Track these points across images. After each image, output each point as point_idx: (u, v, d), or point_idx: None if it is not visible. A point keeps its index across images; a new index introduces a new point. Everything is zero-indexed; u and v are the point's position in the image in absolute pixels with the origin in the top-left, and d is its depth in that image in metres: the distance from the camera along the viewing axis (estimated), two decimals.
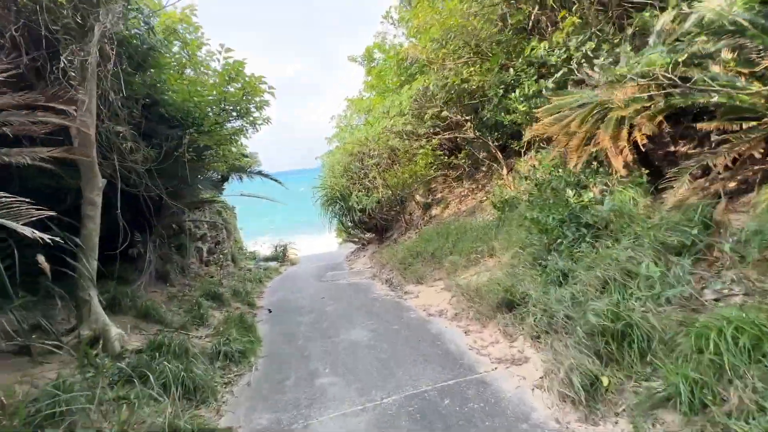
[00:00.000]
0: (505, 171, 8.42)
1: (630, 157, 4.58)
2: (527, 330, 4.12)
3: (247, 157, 9.78)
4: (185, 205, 8.44)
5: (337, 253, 18.18)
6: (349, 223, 14.34)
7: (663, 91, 3.91)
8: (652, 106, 4.02)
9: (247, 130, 6.69)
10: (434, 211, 12.07)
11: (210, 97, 5.76)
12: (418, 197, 12.40)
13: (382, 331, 5.34)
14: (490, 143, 8.27)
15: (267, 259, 16.28)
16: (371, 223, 14.05)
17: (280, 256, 16.41)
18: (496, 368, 3.85)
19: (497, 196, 7.96)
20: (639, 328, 3.08)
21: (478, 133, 7.97)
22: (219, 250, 11.83)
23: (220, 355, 4.71)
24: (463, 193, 11.78)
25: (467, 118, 7.77)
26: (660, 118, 4.10)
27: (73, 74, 4.07)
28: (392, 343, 4.83)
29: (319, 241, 22.98)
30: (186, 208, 9.89)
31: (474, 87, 7.19)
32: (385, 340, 4.98)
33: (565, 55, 5.86)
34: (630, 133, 4.36)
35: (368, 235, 14.72)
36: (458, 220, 10.25)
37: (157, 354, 4.25)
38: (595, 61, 5.15)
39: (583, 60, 5.51)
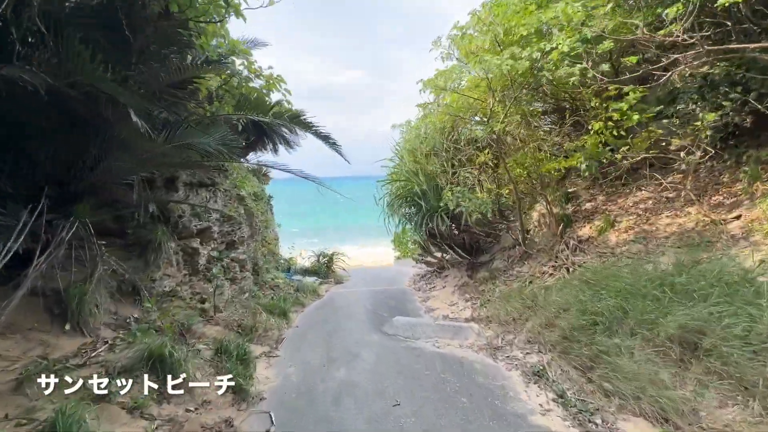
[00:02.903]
0: None
1: None
2: None
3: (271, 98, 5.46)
4: (138, 160, 4.23)
5: (395, 272, 13.47)
6: (425, 235, 9.61)
7: None
8: None
9: None
10: (582, 231, 7.00)
11: None
12: (550, 205, 7.39)
13: None
14: None
15: (305, 272, 12.09)
16: (458, 237, 9.27)
17: (323, 270, 12.12)
18: None
19: None
20: None
21: None
22: (230, 257, 7.67)
23: None
24: (642, 204, 6.62)
25: None
26: None
27: None
28: None
29: (370, 252, 18.63)
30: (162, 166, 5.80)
31: None
32: None
33: None
34: None
35: (450, 255, 9.87)
36: (660, 252, 5.18)
37: None
38: None
39: None
